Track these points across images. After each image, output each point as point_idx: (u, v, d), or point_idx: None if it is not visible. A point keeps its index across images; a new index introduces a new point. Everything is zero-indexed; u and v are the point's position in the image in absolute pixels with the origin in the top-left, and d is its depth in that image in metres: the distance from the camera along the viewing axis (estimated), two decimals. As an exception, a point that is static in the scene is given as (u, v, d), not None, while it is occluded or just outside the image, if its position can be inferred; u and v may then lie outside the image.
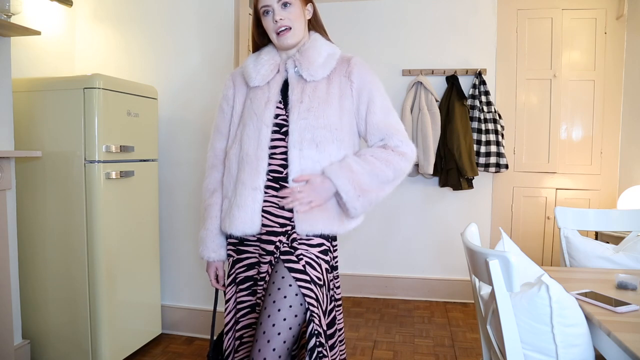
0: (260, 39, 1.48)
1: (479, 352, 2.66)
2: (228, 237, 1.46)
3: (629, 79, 3.27)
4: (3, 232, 2.09)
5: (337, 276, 1.47)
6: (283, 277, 1.29)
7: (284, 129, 1.36)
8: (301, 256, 1.33)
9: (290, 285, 1.28)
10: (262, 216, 1.35)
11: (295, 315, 1.26)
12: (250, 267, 1.42)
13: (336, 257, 1.46)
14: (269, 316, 1.25)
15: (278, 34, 1.36)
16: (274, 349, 1.22)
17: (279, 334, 1.23)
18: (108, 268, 2.28)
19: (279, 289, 1.28)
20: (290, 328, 1.25)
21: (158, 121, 2.75)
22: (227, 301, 1.44)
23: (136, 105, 2.46)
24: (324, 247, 1.37)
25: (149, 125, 2.58)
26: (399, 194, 3.65)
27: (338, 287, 1.46)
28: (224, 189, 1.44)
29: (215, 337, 1.54)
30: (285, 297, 1.26)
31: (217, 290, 1.57)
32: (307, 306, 1.27)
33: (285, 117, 1.37)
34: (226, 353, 1.43)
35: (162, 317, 2.80)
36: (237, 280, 1.44)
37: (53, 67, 2.71)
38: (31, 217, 2.32)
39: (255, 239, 1.39)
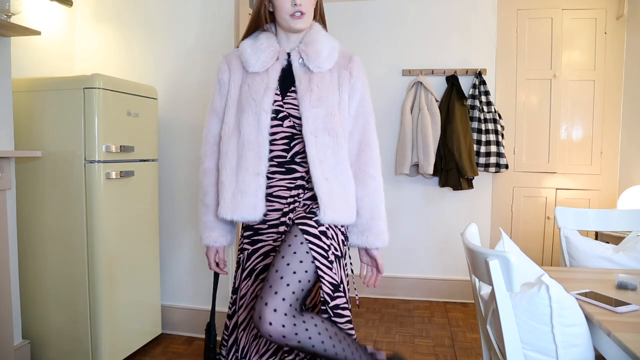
0: (264, 18, 1.42)
1: (479, 352, 2.66)
2: (243, 228, 1.46)
3: (629, 79, 3.27)
4: (3, 232, 2.09)
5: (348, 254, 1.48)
6: (295, 236, 1.27)
7: (281, 115, 1.38)
8: (320, 222, 1.32)
9: (301, 243, 1.25)
10: (273, 201, 1.38)
11: (306, 271, 1.22)
12: (266, 255, 1.42)
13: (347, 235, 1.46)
14: (276, 271, 1.21)
15: (292, 15, 1.35)
16: (283, 299, 1.17)
17: (287, 285, 1.19)
18: (108, 268, 2.28)
19: (289, 245, 1.25)
20: (299, 281, 1.20)
21: (158, 121, 2.75)
22: (241, 297, 1.42)
23: (136, 105, 2.46)
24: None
25: (149, 125, 2.58)
26: (399, 194, 3.65)
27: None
28: (220, 175, 1.42)
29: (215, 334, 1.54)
30: (295, 252, 1.23)
31: (216, 274, 1.57)
32: (316, 266, 1.24)
33: (281, 103, 1.38)
34: (245, 352, 1.40)
35: (162, 317, 2.80)
36: (255, 272, 1.42)
37: (53, 67, 2.71)
38: (31, 217, 2.32)
39: (266, 226, 1.40)
